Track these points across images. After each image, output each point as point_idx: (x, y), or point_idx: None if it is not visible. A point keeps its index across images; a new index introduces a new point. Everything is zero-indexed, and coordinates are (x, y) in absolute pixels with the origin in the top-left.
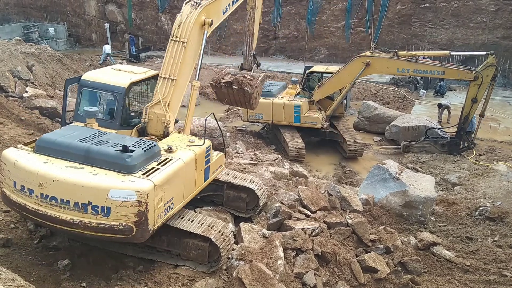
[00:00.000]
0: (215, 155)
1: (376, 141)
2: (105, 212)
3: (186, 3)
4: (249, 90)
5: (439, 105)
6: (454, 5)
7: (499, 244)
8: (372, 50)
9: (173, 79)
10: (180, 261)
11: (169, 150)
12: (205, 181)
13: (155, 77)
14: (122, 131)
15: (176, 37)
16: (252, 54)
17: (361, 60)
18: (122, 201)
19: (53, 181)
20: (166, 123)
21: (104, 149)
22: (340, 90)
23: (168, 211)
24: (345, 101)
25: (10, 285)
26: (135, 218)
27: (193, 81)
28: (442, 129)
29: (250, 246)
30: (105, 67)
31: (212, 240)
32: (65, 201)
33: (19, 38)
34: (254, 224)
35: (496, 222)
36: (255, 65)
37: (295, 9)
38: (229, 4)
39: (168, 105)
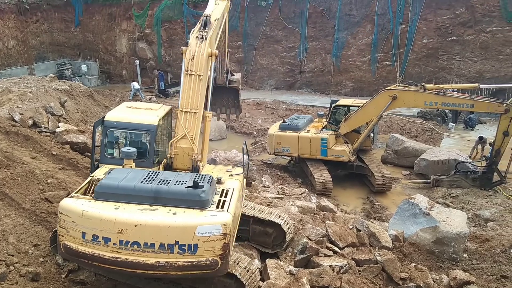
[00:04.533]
0: None
1: (405, 175)
2: (192, 250)
3: (191, 34)
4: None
5: (481, 138)
6: (482, 38)
7: None
8: (399, 83)
9: (195, 112)
10: None
11: (219, 181)
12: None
13: (169, 113)
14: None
15: (191, 70)
16: (225, 71)
17: (387, 93)
18: (209, 236)
19: (135, 225)
20: (194, 156)
21: (174, 187)
22: (367, 123)
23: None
24: (372, 134)
25: None
26: (221, 251)
27: (205, 112)
28: (473, 163)
29: (277, 283)
30: (120, 105)
31: (238, 276)
32: (149, 244)
33: (53, 75)
34: (280, 261)
35: None
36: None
37: (321, 44)
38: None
39: (193, 138)
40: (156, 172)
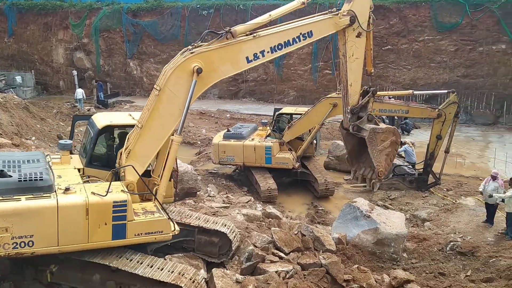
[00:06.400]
0: (153, 217)
1: (346, 179)
2: None
3: (182, 52)
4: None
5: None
6: (415, 47)
7: (472, 279)
8: (339, 91)
9: (139, 127)
10: None
11: (66, 190)
12: (115, 239)
13: None
14: (98, 170)
15: (157, 85)
16: (348, 110)
17: (328, 101)
18: None
19: None
20: (123, 171)
21: None
22: (310, 130)
23: (22, 247)
24: (314, 141)
25: None
26: None
27: (175, 135)
28: (409, 166)
29: None
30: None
31: None
32: None
33: None
34: (227, 269)
35: (468, 257)
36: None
37: None
38: (262, 51)
39: (129, 153)
40: (28, 159)
